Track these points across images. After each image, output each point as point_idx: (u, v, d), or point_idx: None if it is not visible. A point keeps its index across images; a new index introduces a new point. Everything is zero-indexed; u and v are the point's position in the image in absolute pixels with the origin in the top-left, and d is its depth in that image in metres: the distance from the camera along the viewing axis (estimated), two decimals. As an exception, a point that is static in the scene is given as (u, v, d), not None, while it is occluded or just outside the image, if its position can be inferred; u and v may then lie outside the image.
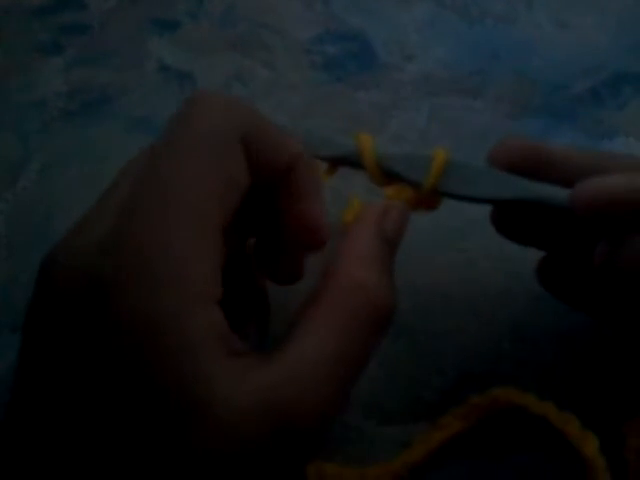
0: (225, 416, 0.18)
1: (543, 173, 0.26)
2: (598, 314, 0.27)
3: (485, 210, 0.28)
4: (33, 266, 0.21)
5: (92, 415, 0.19)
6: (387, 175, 0.26)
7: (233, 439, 0.18)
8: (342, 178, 0.28)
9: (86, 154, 0.35)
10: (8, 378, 0.30)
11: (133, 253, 0.19)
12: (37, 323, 0.20)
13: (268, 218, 0.24)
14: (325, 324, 0.20)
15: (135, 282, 0.18)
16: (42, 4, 0.39)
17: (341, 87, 0.37)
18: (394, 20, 0.40)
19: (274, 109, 0.36)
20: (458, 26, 0.39)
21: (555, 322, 0.29)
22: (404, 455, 0.28)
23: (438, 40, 0.39)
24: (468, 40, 0.39)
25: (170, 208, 0.19)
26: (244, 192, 0.21)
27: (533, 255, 0.28)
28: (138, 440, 0.18)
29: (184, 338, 0.18)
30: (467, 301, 0.30)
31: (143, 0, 0.39)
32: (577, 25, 0.40)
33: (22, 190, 0.34)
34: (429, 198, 0.26)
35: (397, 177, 0.26)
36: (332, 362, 0.19)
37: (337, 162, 0.27)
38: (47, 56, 0.38)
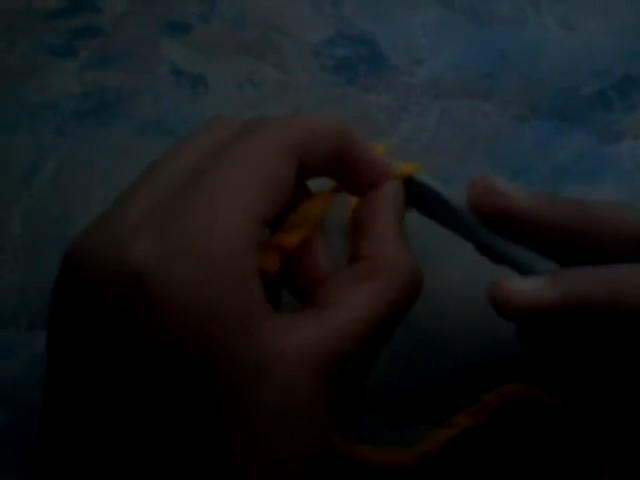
0: (279, 371, 0.20)
1: (509, 223, 0.26)
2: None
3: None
4: (49, 266, 0.21)
5: (153, 404, 0.19)
6: None
7: (286, 392, 0.20)
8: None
9: (99, 155, 0.36)
10: (25, 376, 0.30)
11: (177, 237, 0.20)
12: (66, 317, 0.20)
13: None
14: (367, 294, 0.22)
15: (184, 265, 0.19)
16: (56, 7, 0.39)
17: (351, 90, 0.38)
18: (403, 23, 0.40)
19: (285, 111, 0.37)
20: (467, 29, 0.40)
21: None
22: (413, 447, 0.28)
23: (447, 43, 0.39)
24: (477, 43, 0.39)
25: (221, 196, 0.21)
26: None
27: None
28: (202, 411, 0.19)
29: (242, 310, 0.20)
30: (479, 303, 0.30)
31: (155, 3, 0.40)
32: (585, 28, 0.40)
33: (38, 191, 0.35)
34: None
35: None
36: (372, 324, 0.22)
37: None
38: (61, 59, 0.38)
